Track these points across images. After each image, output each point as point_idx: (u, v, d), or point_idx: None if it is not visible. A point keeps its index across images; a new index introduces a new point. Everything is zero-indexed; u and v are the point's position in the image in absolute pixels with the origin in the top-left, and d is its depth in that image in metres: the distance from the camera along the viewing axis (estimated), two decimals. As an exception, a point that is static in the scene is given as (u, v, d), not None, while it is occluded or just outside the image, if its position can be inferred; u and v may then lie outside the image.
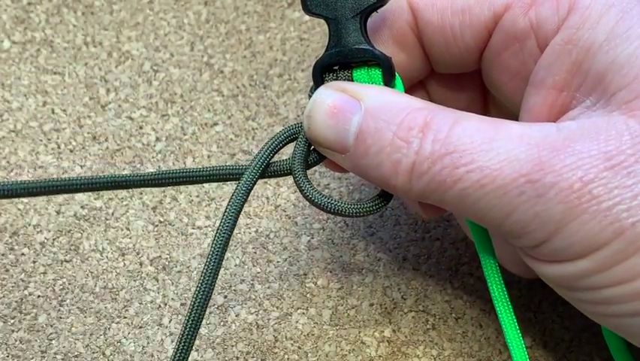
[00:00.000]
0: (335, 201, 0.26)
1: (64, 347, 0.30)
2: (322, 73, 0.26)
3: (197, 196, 0.34)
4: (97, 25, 0.38)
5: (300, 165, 0.26)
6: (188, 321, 0.25)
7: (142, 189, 0.34)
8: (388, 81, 0.26)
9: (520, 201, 0.22)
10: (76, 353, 0.30)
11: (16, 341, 0.30)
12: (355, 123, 0.24)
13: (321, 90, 0.25)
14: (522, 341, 0.26)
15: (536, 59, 0.25)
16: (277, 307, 0.32)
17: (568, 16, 0.24)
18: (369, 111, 0.24)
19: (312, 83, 0.27)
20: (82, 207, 0.33)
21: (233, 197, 0.26)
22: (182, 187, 0.34)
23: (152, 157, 0.35)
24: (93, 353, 0.30)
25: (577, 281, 0.23)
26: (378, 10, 0.26)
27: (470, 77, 0.29)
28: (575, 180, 0.21)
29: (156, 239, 0.33)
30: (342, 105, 0.25)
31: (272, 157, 0.26)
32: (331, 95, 0.25)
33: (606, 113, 0.23)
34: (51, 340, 0.30)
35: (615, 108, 0.22)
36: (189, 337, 0.25)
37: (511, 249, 0.27)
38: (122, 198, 0.34)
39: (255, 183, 0.26)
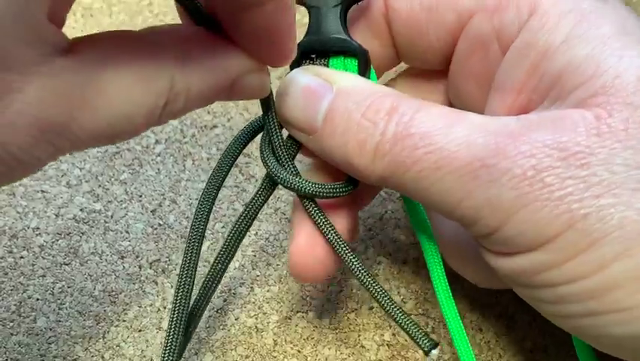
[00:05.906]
0: (304, 181, 0.26)
1: (63, 350, 0.30)
2: (300, 60, 0.27)
3: (197, 199, 0.34)
4: (96, 27, 0.38)
5: (267, 146, 0.27)
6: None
7: (140, 191, 0.34)
8: (363, 73, 0.26)
9: (474, 185, 0.22)
10: (75, 357, 0.30)
11: (15, 344, 0.30)
12: (325, 105, 0.25)
13: (296, 72, 0.26)
14: (451, 298, 0.26)
15: (500, 64, 0.26)
16: (277, 311, 0.32)
17: (528, 21, 0.25)
18: (340, 93, 0.25)
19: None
20: (81, 210, 0.33)
21: (206, 188, 0.26)
22: (181, 190, 0.34)
23: (152, 159, 0.35)
24: (92, 356, 0.30)
25: (532, 277, 0.23)
26: (358, 3, 0.27)
27: (436, 84, 0.30)
28: (528, 167, 0.22)
29: (155, 242, 0.33)
30: (315, 87, 0.25)
31: (242, 148, 0.27)
32: (305, 77, 0.26)
33: (563, 109, 0.23)
34: (50, 343, 0.30)
35: (571, 106, 0.23)
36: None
37: (475, 258, 0.26)
38: (121, 201, 0.34)
39: (227, 173, 0.27)
